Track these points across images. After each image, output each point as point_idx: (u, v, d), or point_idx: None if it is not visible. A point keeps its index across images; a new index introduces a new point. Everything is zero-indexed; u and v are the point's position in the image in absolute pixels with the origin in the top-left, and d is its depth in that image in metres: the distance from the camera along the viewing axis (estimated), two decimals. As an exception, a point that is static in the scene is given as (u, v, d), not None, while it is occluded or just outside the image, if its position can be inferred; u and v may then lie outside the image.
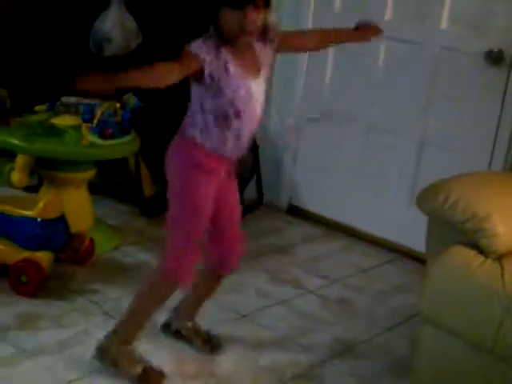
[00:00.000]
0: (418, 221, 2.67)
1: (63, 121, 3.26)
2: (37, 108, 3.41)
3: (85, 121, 3.18)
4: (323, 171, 3.98)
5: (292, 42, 2.42)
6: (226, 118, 2.23)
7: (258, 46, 2.27)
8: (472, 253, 2.31)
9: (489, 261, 2.29)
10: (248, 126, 2.29)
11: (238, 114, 2.24)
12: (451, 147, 3.47)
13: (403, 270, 3.55)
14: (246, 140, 2.32)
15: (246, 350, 2.69)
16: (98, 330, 2.66)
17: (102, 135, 3.15)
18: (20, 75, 4.05)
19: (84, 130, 3.10)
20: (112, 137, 3.18)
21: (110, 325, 2.66)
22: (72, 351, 2.55)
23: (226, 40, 2.18)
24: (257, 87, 2.26)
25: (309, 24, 3.86)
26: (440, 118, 3.51)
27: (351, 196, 3.87)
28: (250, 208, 4.05)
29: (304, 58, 3.91)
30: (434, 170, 3.35)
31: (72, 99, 3.44)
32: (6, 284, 2.87)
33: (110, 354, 2.42)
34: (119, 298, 2.91)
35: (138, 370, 2.41)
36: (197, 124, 2.25)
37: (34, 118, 3.31)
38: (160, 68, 2.10)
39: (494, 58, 3.25)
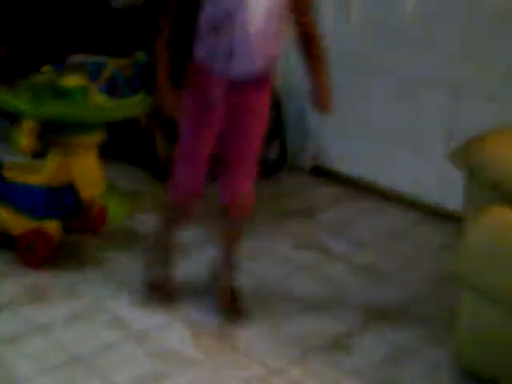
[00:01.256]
0: (452, 178, 2.57)
1: (70, 81, 3.12)
2: (43, 69, 3.28)
3: (92, 80, 3.07)
4: (350, 128, 3.86)
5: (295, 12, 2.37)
6: (218, 22, 2.25)
7: None
8: (511, 212, 2.21)
9: (530, 220, 2.15)
10: (245, 37, 2.25)
11: (228, 18, 2.24)
12: (488, 95, 3.29)
13: (436, 230, 3.43)
14: (246, 55, 2.28)
15: (271, 319, 2.59)
16: (111, 299, 2.62)
17: (112, 94, 3.04)
18: (26, 35, 3.93)
19: (91, 89, 2.98)
20: (121, 95, 3.08)
21: (124, 294, 2.66)
22: (84, 322, 2.48)
23: None
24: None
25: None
26: (475, 64, 3.34)
27: (379, 154, 3.75)
28: (273, 169, 3.95)
29: (329, 4, 3.79)
30: (471, 122, 3.19)
31: (79, 58, 3.31)
32: (12, 255, 2.80)
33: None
34: (132, 267, 2.82)
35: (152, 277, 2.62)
36: (197, 43, 2.32)
37: (41, 78, 3.17)
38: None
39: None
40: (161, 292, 2.61)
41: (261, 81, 2.37)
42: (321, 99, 2.49)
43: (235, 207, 2.51)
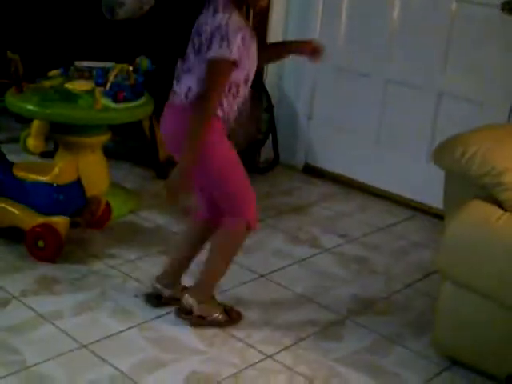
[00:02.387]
0: (436, 177, 2.65)
1: (77, 85, 3.24)
2: (50, 73, 3.40)
3: (98, 85, 3.17)
4: (339, 129, 3.95)
5: None
6: (237, 86, 2.29)
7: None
8: (490, 207, 2.30)
9: (507, 214, 2.27)
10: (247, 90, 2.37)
11: (246, 81, 2.32)
12: (470, 100, 3.43)
13: (421, 226, 3.54)
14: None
15: (264, 310, 2.70)
16: (116, 292, 2.70)
17: (116, 99, 3.13)
18: (33, 41, 4.03)
19: (97, 93, 3.08)
20: (125, 100, 3.17)
21: (128, 287, 2.74)
22: (90, 314, 2.56)
23: (240, 4, 2.24)
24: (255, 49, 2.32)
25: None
26: (458, 70, 3.46)
27: (368, 153, 3.84)
28: (267, 168, 4.05)
29: (318, 11, 3.88)
30: (453, 123, 3.34)
31: (85, 63, 3.42)
32: (23, 249, 2.89)
33: (195, 312, 2.52)
34: (137, 261, 2.93)
35: (218, 313, 2.54)
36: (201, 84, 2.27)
37: (48, 83, 3.29)
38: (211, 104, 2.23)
39: (512, 7, 3.19)
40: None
41: None
42: (310, 46, 2.51)
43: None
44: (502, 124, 3.15)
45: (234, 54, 2.18)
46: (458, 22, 3.41)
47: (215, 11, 2.23)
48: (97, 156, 3.29)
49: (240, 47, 2.19)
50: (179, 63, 2.36)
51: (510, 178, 2.28)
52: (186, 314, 2.54)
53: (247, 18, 2.34)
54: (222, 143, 2.36)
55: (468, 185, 2.40)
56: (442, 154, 2.48)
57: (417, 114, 3.62)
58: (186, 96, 2.30)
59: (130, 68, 3.23)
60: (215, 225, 2.50)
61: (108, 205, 3.15)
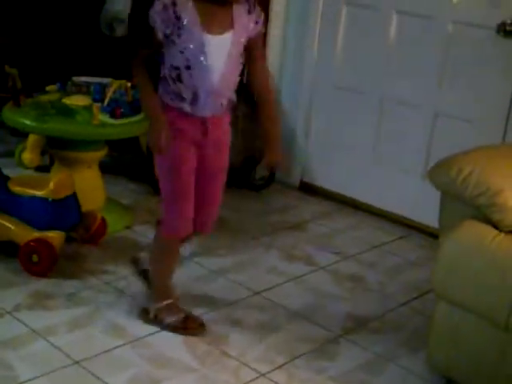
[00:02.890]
0: (431, 195, 2.65)
1: (74, 100, 3.25)
2: (48, 88, 3.41)
3: (96, 100, 3.18)
4: (335, 147, 3.96)
5: (251, 48, 2.41)
6: (178, 70, 2.30)
7: (238, 9, 2.31)
8: (485, 227, 2.30)
9: (502, 235, 2.27)
10: (206, 82, 2.31)
11: (188, 67, 2.29)
12: (465, 119, 3.45)
13: (416, 245, 3.55)
14: (211, 97, 2.34)
15: (258, 327, 2.69)
16: (111, 308, 2.69)
17: (113, 114, 3.14)
18: (31, 55, 4.04)
19: (95, 109, 3.09)
20: (123, 116, 3.17)
21: (123, 303, 2.73)
22: (84, 330, 2.56)
23: None
24: (218, 43, 2.28)
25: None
26: (454, 90, 3.48)
27: (364, 171, 3.86)
28: (262, 185, 4.06)
29: (315, 30, 3.90)
30: (448, 142, 3.37)
31: (83, 79, 3.43)
32: (18, 264, 2.88)
33: (150, 313, 2.60)
34: (131, 277, 2.93)
35: (177, 318, 2.58)
36: (163, 86, 2.36)
37: (45, 97, 3.30)
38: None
39: (507, 30, 3.20)
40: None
41: (224, 116, 2.45)
42: (272, 152, 2.47)
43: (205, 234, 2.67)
44: (497, 144, 3.16)
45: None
46: (454, 42, 3.44)
47: None
48: (93, 171, 3.29)
49: (166, 22, 2.23)
50: None
51: (505, 198, 2.29)
52: (146, 312, 2.63)
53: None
54: (173, 141, 2.34)
55: (463, 205, 2.40)
56: (438, 173, 2.48)
57: (412, 133, 3.63)
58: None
59: (129, 84, 3.24)
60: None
61: (103, 220, 3.15)
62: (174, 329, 2.58)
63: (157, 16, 2.24)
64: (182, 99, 2.33)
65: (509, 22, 3.20)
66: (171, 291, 2.64)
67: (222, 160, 2.51)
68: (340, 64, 3.88)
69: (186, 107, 2.34)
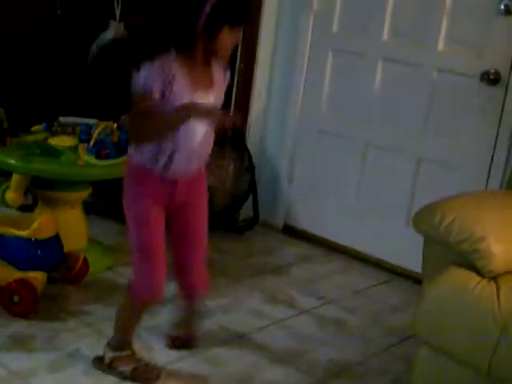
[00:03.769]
0: (414, 241, 2.66)
1: (60, 141, 3.24)
2: (34, 128, 3.41)
3: (82, 141, 3.18)
4: (319, 191, 3.98)
5: None
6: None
7: (216, 66, 2.34)
8: (468, 273, 2.31)
9: (484, 281, 2.28)
10: (187, 143, 2.31)
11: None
12: (449, 165, 3.49)
13: (399, 290, 3.54)
14: (186, 160, 2.34)
15: (239, 371, 2.67)
16: (91, 350, 2.66)
17: (98, 155, 3.14)
18: (17, 95, 4.05)
19: (80, 150, 3.09)
20: (108, 157, 3.18)
21: (102, 344, 2.66)
22: (64, 373, 2.53)
23: (187, 55, 2.25)
24: (204, 101, 2.28)
25: (307, 42, 3.90)
26: (438, 137, 3.52)
27: (347, 216, 3.87)
28: (246, 227, 4.06)
29: (301, 75, 3.94)
30: (431, 188, 3.42)
31: (69, 119, 3.43)
32: (-2, 304, 2.86)
33: (105, 360, 2.53)
34: (112, 319, 2.87)
35: (130, 367, 2.52)
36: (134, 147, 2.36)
37: (31, 138, 3.30)
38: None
39: (491, 78, 3.26)
40: None
41: (198, 176, 2.46)
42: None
43: (202, 295, 2.70)
44: (480, 191, 3.19)
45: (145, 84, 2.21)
46: (438, 90, 3.48)
47: None
48: (76, 211, 3.29)
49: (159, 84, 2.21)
50: None
51: (488, 245, 2.31)
52: (99, 360, 2.57)
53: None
54: (143, 198, 2.36)
55: (446, 250, 2.41)
56: (421, 219, 2.50)
57: (396, 178, 3.66)
58: None
59: (115, 125, 3.25)
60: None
61: (85, 261, 3.13)
62: (127, 377, 2.52)
63: (152, 78, 2.20)
64: (156, 161, 2.32)
65: (492, 70, 3.26)
66: (131, 343, 2.57)
67: (197, 220, 2.52)
68: (325, 109, 3.91)
69: (158, 170, 2.33)
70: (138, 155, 2.35)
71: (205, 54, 2.27)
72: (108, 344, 2.56)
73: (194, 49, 2.25)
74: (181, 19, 2.23)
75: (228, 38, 2.24)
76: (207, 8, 2.18)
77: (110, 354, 2.54)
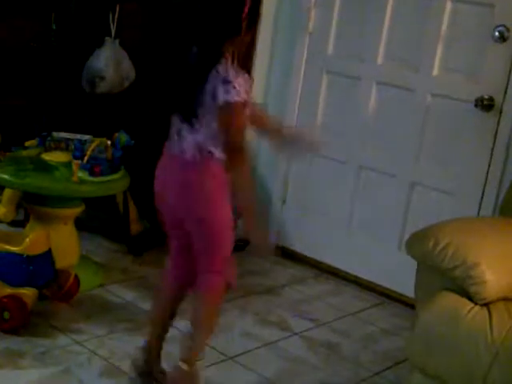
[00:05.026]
0: (406, 264, 2.67)
1: (53, 157, 3.25)
2: (27, 143, 3.41)
3: (75, 157, 3.17)
4: (312, 213, 3.98)
5: None
6: None
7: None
8: (460, 299, 2.32)
9: (477, 307, 2.29)
10: None
11: None
12: (442, 190, 3.49)
13: (391, 313, 3.54)
14: None
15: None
16: (81, 369, 2.64)
17: (92, 172, 3.14)
18: (11, 110, 4.05)
19: (74, 166, 3.09)
20: (102, 174, 3.18)
21: (94, 363, 2.68)
22: (53, 390, 2.51)
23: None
24: None
25: (302, 64, 3.91)
26: (431, 161, 3.52)
27: (340, 238, 3.86)
28: (239, 248, 4.03)
29: (296, 97, 3.95)
30: (424, 213, 3.42)
31: (63, 135, 3.43)
32: (-11, 320, 2.83)
33: (190, 373, 2.43)
34: (103, 337, 2.89)
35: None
36: (212, 137, 2.27)
37: (24, 153, 3.30)
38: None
39: (485, 104, 3.28)
40: None
41: None
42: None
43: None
44: (474, 217, 3.20)
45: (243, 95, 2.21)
46: (432, 114, 3.49)
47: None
48: (69, 228, 3.27)
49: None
50: (177, 117, 2.34)
51: (481, 272, 2.32)
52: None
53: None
54: (224, 195, 2.34)
55: (440, 276, 2.42)
56: (415, 244, 2.51)
57: (389, 202, 3.66)
58: (199, 152, 2.29)
59: (109, 142, 3.25)
60: (186, 284, 2.51)
61: (76, 278, 3.12)
62: None
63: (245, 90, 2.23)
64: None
65: (486, 96, 3.27)
66: None
67: None
68: (319, 132, 3.90)
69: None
70: (215, 147, 2.29)
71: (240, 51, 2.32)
72: (186, 360, 2.43)
73: (240, 45, 2.30)
74: (230, 7, 2.24)
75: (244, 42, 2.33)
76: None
77: (194, 368, 2.44)
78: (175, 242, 2.50)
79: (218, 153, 2.29)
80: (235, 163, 2.25)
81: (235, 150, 2.24)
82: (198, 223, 2.36)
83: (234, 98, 2.19)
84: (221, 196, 2.34)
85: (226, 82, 2.19)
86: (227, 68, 2.22)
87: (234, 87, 2.18)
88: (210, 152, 2.28)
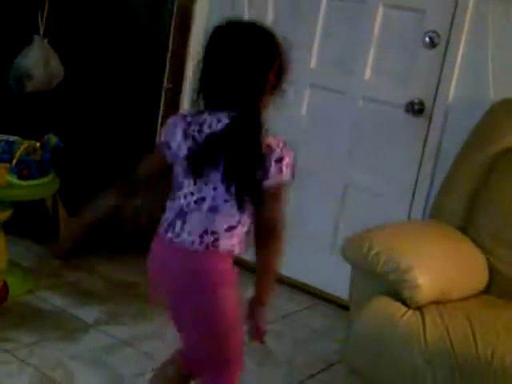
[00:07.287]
0: (339, 266, 2.69)
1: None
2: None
3: (3, 160, 3.09)
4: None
5: None
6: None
7: None
8: (394, 303, 2.36)
9: (410, 311, 2.34)
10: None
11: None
12: (373, 193, 3.52)
13: (324, 315, 3.55)
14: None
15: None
16: (11, 378, 2.57)
17: (21, 175, 3.06)
18: None
19: (1, 169, 3.01)
20: (31, 177, 3.10)
21: (24, 373, 2.61)
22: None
23: None
24: None
25: None
26: (363, 164, 3.55)
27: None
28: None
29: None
30: (357, 215, 3.45)
31: (-10, 137, 3.33)
32: None
33: None
34: (33, 345, 2.82)
35: None
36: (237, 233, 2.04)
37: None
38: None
39: (415, 109, 3.33)
40: None
41: None
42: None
43: None
44: (407, 222, 3.25)
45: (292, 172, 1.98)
46: (363, 119, 3.52)
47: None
48: (-4, 233, 3.18)
49: None
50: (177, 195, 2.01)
51: (414, 276, 2.36)
52: None
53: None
54: (235, 291, 2.08)
55: (374, 280, 2.46)
56: (350, 249, 2.54)
57: (322, 204, 3.67)
58: (204, 243, 1.99)
59: (38, 144, 3.18)
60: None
61: (5, 284, 3.04)
62: None
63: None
64: None
65: (416, 101, 3.32)
66: None
67: None
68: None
69: None
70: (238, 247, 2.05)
71: None
72: None
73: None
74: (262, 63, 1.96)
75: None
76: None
77: None
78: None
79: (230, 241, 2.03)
80: (272, 243, 2.08)
81: (276, 230, 2.05)
82: (196, 322, 2.06)
83: (286, 177, 1.96)
84: (229, 288, 2.07)
85: (279, 159, 1.93)
86: (278, 140, 1.95)
87: (287, 165, 1.94)
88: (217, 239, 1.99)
